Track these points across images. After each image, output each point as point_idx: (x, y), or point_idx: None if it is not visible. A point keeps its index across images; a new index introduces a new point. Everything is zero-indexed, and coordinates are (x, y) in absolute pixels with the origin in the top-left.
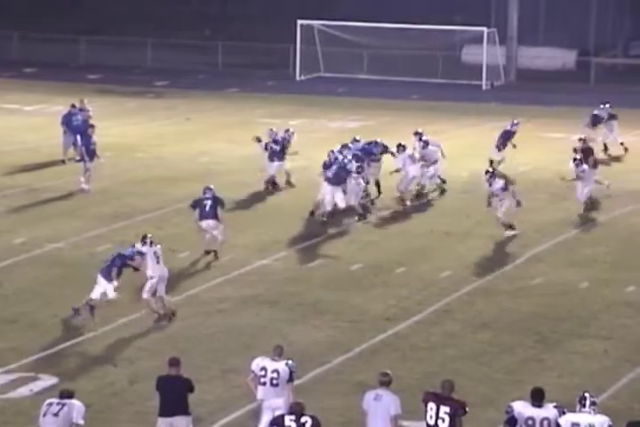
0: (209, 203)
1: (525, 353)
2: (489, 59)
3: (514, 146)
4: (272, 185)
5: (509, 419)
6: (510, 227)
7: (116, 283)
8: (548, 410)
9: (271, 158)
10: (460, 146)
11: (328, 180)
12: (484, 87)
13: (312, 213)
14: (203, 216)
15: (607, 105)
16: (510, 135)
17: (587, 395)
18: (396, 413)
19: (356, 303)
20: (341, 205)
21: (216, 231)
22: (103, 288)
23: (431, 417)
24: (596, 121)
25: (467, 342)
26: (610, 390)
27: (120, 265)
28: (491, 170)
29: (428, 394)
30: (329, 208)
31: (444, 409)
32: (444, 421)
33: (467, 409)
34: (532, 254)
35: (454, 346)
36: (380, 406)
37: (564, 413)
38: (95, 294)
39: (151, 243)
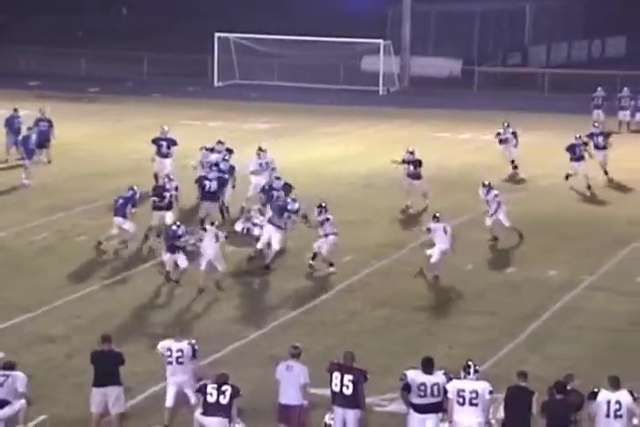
0: (120, 201)
1: (419, 328)
2: (385, 67)
3: (590, 156)
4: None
5: (404, 385)
6: (496, 238)
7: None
8: (438, 377)
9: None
10: (361, 145)
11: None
12: (380, 93)
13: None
14: (114, 212)
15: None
16: (575, 147)
17: (470, 364)
18: (305, 381)
19: (272, 285)
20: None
21: (125, 226)
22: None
23: (336, 385)
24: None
25: (367, 319)
26: (491, 359)
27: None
28: (487, 183)
29: (333, 364)
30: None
31: (348, 377)
32: (348, 388)
33: (368, 377)
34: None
35: (356, 322)
36: (291, 375)
37: (451, 379)
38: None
39: (212, 224)
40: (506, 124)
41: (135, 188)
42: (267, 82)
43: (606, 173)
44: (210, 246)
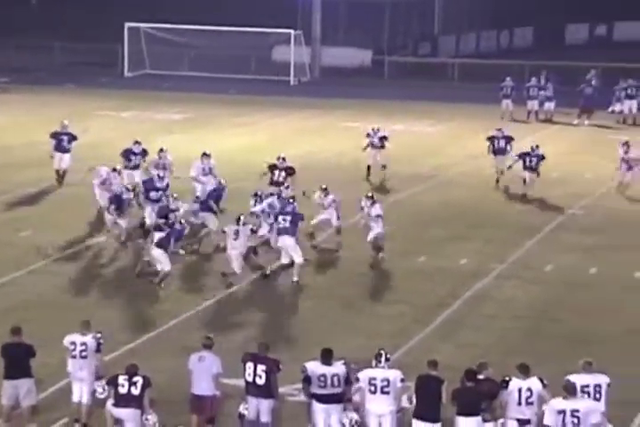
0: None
1: (336, 317)
2: (296, 57)
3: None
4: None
5: (305, 377)
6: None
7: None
8: (337, 367)
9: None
10: (270, 135)
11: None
12: (291, 83)
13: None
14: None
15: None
16: (494, 139)
17: (382, 352)
18: (218, 371)
19: (185, 275)
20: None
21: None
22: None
23: (249, 375)
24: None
25: (283, 310)
26: (403, 348)
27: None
28: (370, 195)
29: (247, 355)
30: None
31: (261, 367)
32: (261, 378)
33: (280, 367)
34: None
35: (277, 313)
36: (204, 366)
37: (351, 369)
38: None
39: (238, 221)
40: (376, 128)
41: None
42: (178, 72)
43: (498, 179)
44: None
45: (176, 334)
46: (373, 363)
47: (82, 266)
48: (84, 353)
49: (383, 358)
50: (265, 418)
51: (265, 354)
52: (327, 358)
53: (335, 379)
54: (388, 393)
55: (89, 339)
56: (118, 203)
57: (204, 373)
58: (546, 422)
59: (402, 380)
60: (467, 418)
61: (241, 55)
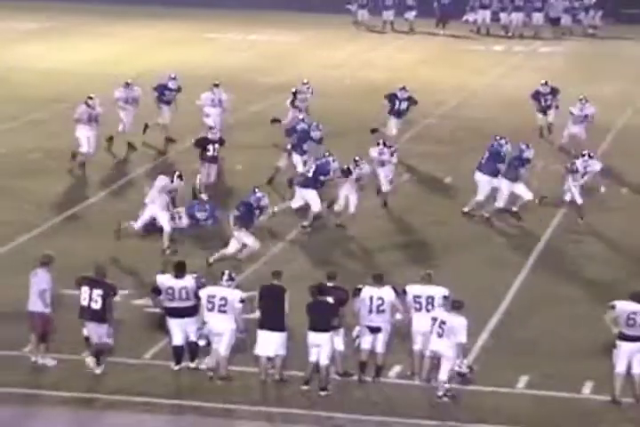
0: None
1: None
2: None
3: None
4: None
5: (153, 288)
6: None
7: None
8: (187, 280)
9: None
10: (132, 46)
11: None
12: None
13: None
14: None
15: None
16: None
17: (226, 271)
18: (45, 287)
19: (39, 189)
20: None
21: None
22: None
23: (85, 299)
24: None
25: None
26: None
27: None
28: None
29: (83, 278)
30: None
31: (97, 292)
32: (97, 302)
33: (117, 292)
34: None
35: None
36: (35, 282)
37: (202, 283)
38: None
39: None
40: (217, 89)
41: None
42: None
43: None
44: None
45: (30, 249)
46: (219, 282)
47: None
48: None
49: (225, 277)
50: (104, 340)
51: (102, 278)
52: (179, 271)
53: (184, 292)
54: (225, 312)
55: None
56: None
57: (35, 289)
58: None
59: (241, 300)
60: (317, 333)
61: None
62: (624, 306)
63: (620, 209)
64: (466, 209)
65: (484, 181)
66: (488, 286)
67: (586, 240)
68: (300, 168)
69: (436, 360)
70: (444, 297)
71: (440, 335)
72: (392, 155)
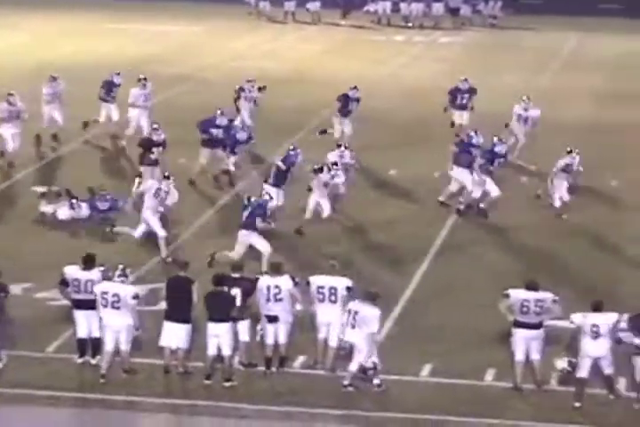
0: None
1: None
2: None
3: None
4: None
5: (61, 280)
6: None
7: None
8: (93, 273)
9: None
10: (30, 36)
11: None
12: None
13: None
14: None
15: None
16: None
17: (119, 266)
18: None
19: None
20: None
21: None
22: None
23: None
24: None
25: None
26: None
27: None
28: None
29: None
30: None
31: None
32: None
33: (8, 291)
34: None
35: None
36: None
37: (109, 277)
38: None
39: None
40: (144, 82)
41: None
42: None
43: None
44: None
45: None
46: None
47: None
48: None
49: (118, 273)
50: None
51: None
52: (87, 263)
53: (89, 284)
54: (118, 308)
55: None
56: None
57: None
58: None
59: (135, 297)
60: (216, 324)
61: None
62: (517, 294)
63: (520, 201)
64: (441, 198)
65: (462, 174)
66: (393, 274)
67: (487, 233)
68: (232, 167)
69: (342, 351)
70: (348, 288)
71: (353, 326)
72: (352, 158)
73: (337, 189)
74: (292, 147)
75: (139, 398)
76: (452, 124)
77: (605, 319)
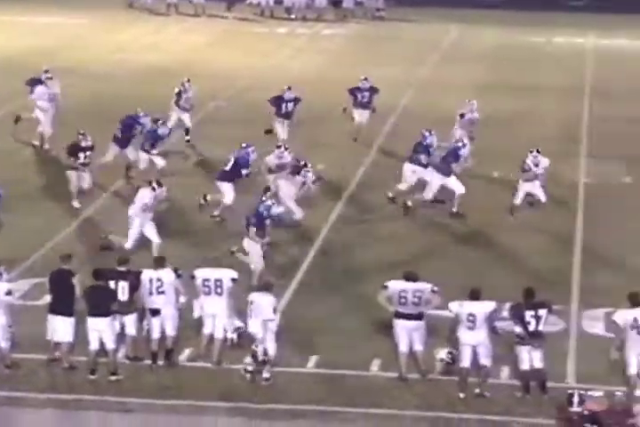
0: None
1: None
2: None
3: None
4: None
5: None
6: None
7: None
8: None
9: None
10: None
11: None
12: None
13: None
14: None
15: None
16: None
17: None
18: None
19: None
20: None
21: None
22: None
23: None
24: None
25: None
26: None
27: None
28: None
29: None
30: None
31: None
32: None
33: None
34: None
35: None
36: None
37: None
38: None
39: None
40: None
41: None
42: None
43: None
44: None
45: None
46: None
47: None
48: None
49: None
50: None
51: None
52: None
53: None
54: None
55: None
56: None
57: None
58: None
59: (7, 293)
60: (95, 318)
61: None
62: (395, 285)
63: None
64: (390, 194)
65: (409, 171)
66: (279, 265)
67: (374, 223)
68: (142, 166)
69: (230, 343)
70: (233, 280)
71: (251, 316)
72: (293, 159)
73: (309, 190)
74: (244, 145)
75: (22, 393)
76: (352, 120)
77: (482, 308)
